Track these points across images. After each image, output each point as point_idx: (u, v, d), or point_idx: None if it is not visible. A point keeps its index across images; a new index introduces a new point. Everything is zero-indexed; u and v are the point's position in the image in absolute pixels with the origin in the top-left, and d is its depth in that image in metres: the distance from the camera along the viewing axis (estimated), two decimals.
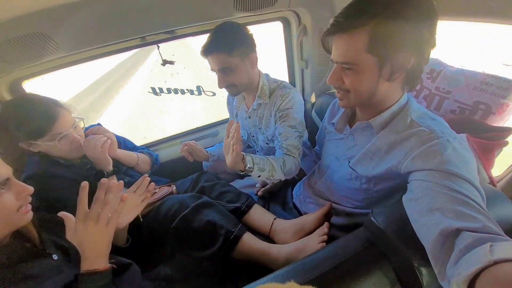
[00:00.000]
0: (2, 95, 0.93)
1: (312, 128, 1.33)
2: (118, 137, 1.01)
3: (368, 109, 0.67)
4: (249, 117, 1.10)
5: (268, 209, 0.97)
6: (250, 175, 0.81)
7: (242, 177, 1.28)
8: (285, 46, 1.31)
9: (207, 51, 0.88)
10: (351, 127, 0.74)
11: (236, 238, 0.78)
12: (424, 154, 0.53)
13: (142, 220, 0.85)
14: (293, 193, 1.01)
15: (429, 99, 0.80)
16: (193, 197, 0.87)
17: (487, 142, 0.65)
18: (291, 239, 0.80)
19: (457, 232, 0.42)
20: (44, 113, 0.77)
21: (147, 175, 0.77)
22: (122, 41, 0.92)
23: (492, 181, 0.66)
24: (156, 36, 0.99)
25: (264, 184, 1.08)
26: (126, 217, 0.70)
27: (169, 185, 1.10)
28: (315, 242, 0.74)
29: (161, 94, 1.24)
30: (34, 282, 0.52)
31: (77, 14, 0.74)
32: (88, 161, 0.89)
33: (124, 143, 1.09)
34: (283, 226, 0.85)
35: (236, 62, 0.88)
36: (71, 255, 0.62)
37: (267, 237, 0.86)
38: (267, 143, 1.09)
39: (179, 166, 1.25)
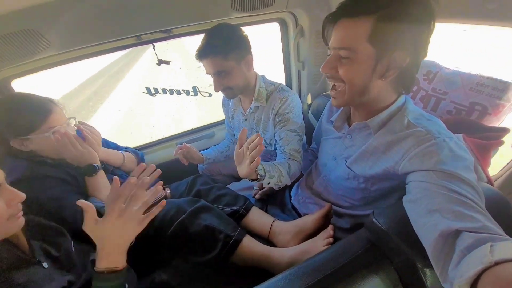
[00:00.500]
0: None
1: (308, 129, 1.33)
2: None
3: (362, 109, 0.68)
4: (246, 120, 1.09)
5: (266, 212, 0.96)
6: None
7: (238, 179, 1.27)
8: (282, 47, 1.31)
9: (202, 54, 0.87)
10: (349, 126, 0.74)
11: (235, 242, 0.76)
12: (421, 155, 0.53)
13: None
14: (291, 194, 1.00)
15: (425, 100, 0.82)
16: (190, 201, 0.84)
17: (484, 142, 0.66)
18: (291, 241, 0.79)
19: (457, 233, 0.42)
20: (38, 107, 0.76)
21: (154, 165, 0.70)
22: (116, 39, 0.89)
23: (489, 180, 0.67)
24: (152, 35, 0.96)
25: (261, 187, 1.07)
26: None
27: (163, 189, 1.07)
28: (320, 245, 0.72)
29: (156, 94, 1.22)
30: None
31: (69, 11, 0.72)
32: None
33: (106, 144, 1.05)
34: (283, 228, 0.83)
35: (232, 65, 0.87)
36: (62, 262, 0.59)
37: (266, 240, 0.85)
38: (265, 147, 1.08)
39: (173, 168, 1.23)
